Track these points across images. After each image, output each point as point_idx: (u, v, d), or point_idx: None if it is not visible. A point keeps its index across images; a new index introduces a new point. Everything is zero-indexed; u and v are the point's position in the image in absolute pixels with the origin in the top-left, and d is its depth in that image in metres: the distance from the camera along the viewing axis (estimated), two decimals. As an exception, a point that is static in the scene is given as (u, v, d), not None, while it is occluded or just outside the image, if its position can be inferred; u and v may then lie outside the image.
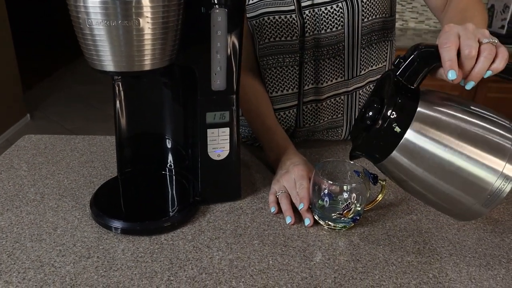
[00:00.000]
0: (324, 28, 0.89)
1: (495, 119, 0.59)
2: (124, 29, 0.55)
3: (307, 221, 0.72)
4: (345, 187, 0.69)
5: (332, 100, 0.97)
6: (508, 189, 0.58)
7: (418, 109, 0.58)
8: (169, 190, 0.80)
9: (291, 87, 0.94)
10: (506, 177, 0.57)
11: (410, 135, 0.58)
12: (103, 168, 0.88)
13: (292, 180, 0.77)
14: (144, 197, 0.77)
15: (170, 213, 0.71)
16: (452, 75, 0.56)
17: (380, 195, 0.75)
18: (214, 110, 0.71)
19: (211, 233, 0.70)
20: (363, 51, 0.93)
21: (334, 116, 1.00)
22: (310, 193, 0.72)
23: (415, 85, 0.59)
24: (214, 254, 0.65)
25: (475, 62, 0.57)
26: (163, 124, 0.81)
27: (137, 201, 0.76)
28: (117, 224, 0.68)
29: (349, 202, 0.68)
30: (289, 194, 0.76)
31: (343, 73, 0.95)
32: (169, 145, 0.83)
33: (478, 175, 0.58)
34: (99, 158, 0.92)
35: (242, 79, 0.75)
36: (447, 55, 0.56)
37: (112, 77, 0.74)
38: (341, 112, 1.00)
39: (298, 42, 0.89)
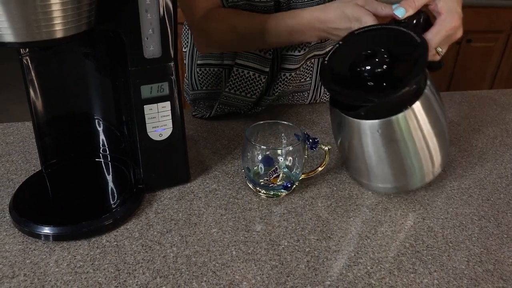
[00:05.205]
0: None
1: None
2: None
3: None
4: (279, 151, 0.63)
5: (304, 65, 0.89)
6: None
7: (425, 90, 0.58)
8: (106, 180, 0.68)
9: (263, 51, 0.84)
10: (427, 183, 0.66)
11: (412, 109, 0.58)
12: (23, 162, 0.74)
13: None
14: (77, 192, 0.65)
15: (111, 208, 0.61)
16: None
17: (326, 158, 0.68)
18: (149, 83, 0.59)
19: (161, 226, 0.60)
20: None
21: (303, 80, 0.93)
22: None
23: None
24: (168, 251, 0.56)
25: None
26: (90, 102, 0.69)
27: (68, 199, 0.64)
28: (46, 230, 0.56)
29: (276, 168, 0.63)
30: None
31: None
32: (99, 127, 0.71)
33: (423, 166, 0.63)
34: (17, 149, 0.78)
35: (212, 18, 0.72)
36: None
37: (17, 51, 0.60)
38: (310, 76, 0.93)
39: (273, 4, 0.79)
